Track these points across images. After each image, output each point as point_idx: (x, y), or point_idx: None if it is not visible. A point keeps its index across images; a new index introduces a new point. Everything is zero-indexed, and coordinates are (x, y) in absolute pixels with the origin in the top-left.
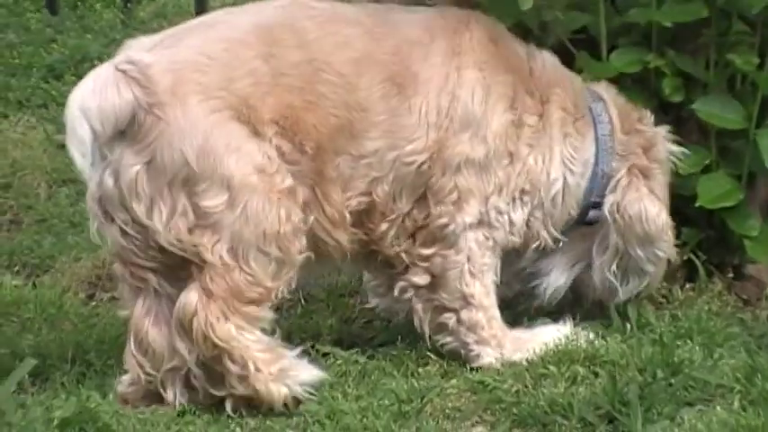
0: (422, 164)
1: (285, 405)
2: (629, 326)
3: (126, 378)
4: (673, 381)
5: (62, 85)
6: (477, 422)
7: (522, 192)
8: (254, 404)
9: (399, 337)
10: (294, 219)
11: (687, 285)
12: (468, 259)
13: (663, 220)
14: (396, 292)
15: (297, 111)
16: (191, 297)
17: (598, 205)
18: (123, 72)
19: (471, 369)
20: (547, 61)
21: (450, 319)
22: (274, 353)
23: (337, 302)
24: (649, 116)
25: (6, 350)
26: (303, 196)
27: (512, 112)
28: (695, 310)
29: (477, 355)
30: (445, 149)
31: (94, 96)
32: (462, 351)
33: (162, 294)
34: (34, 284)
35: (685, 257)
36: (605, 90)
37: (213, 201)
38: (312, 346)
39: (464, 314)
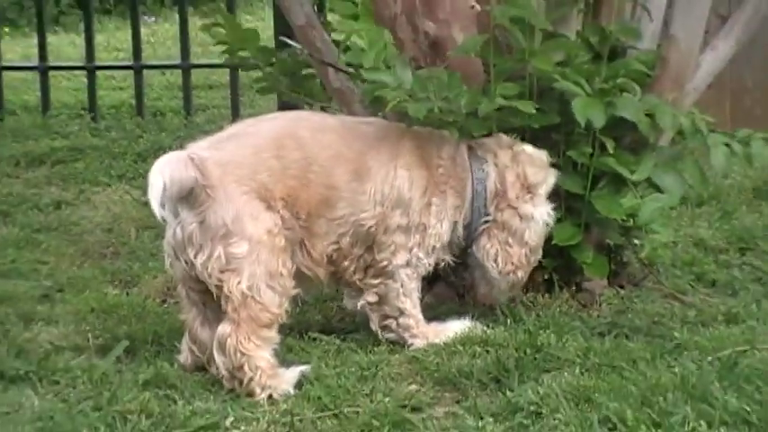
0: (370, 227)
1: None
2: (509, 320)
3: (181, 357)
4: (536, 356)
5: (146, 166)
6: (411, 383)
7: (434, 248)
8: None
9: (361, 328)
10: (288, 266)
11: (546, 295)
12: (402, 285)
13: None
14: (358, 306)
15: (296, 191)
16: (225, 326)
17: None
18: (191, 159)
19: (410, 349)
20: (449, 158)
21: (392, 323)
22: (273, 369)
23: (322, 306)
24: (536, 191)
25: (109, 335)
26: (292, 251)
27: (425, 197)
28: (551, 310)
29: (411, 344)
30: (386, 219)
31: (169, 166)
32: (401, 342)
33: (207, 307)
34: (127, 293)
35: (546, 277)
36: (499, 169)
37: (239, 249)
38: (306, 333)
39: (401, 320)
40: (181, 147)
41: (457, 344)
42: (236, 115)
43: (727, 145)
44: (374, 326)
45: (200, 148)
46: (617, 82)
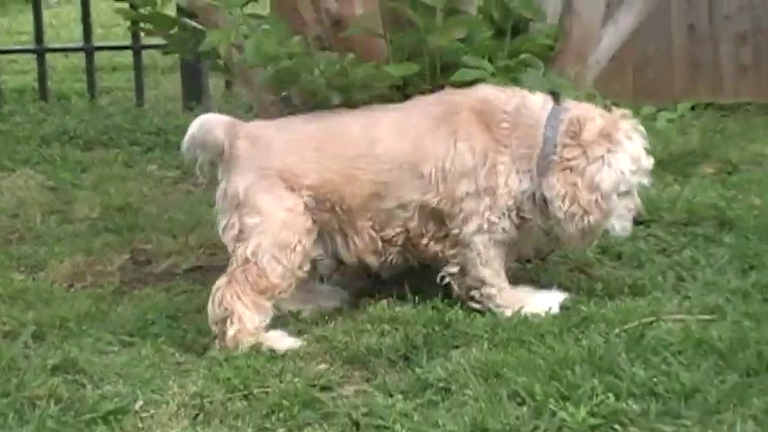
0: (436, 204)
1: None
2: (417, 297)
3: None
4: (445, 332)
5: (50, 150)
6: (320, 362)
7: (509, 208)
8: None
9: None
10: (306, 247)
11: None
12: (479, 254)
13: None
14: (438, 280)
15: (336, 185)
16: (221, 279)
17: None
18: (231, 125)
19: (319, 328)
20: (514, 109)
21: (475, 293)
22: (257, 332)
23: None
24: (614, 139)
25: (16, 321)
26: (323, 235)
27: (489, 161)
28: None
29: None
30: (453, 191)
31: (207, 122)
32: (488, 311)
33: None
34: (33, 278)
35: None
36: (579, 115)
37: (251, 220)
38: None
39: (483, 290)
40: (86, 130)
41: (366, 322)
42: (140, 97)
43: None
44: (461, 294)
45: (251, 126)
46: (520, 58)
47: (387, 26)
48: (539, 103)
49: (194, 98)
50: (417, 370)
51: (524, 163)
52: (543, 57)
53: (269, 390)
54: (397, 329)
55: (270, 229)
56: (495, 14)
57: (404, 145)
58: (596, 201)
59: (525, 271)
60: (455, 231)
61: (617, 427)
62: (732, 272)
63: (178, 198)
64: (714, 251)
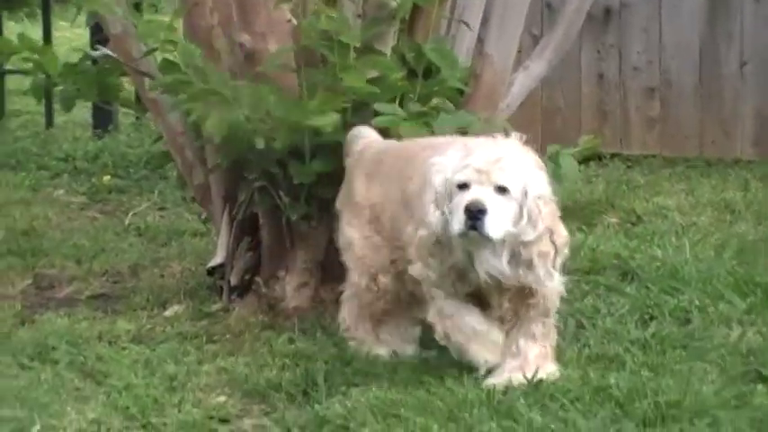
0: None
1: None
2: (318, 333)
3: None
4: (345, 369)
5: None
6: (220, 394)
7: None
8: None
9: (170, 339)
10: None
11: None
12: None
13: None
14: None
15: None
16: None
17: None
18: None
19: (220, 360)
20: None
21: None
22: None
23: (133, 315)
24: None
25: None
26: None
27: None
28: None
29: None
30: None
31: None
32: None
33: None
34: None
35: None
36: None
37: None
38: (116, 342)
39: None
40: None
41: (267, 356)
42: (49, 123)
43: None
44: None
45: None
46: (433, 104)
47: (300, 63)
48: None
49: (104, 125)
50: (316, 406)
51: None
52: (454, 100)
53: (167, 420)
54: (297, 364)
55: (355, 251)
56: (408, 55)
57: None
58: None
59: None
60: None
61: None
62: (632, 322)
63: (83, 224)
64: (615, 300)
